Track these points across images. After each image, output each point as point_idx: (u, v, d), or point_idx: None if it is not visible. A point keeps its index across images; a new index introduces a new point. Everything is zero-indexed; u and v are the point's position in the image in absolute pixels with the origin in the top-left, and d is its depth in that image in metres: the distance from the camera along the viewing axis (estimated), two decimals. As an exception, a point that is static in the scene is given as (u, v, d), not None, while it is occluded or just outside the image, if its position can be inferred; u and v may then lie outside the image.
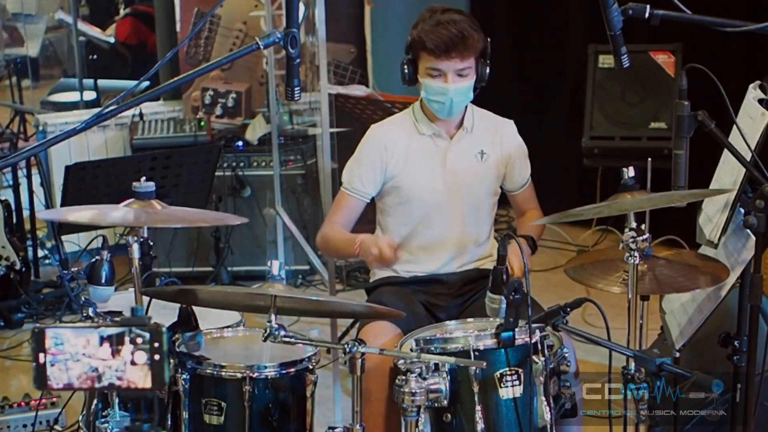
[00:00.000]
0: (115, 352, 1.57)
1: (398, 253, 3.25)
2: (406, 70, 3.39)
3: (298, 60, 2.41)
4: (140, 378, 1.57)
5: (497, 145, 3.50)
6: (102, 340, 1.57)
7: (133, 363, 1.57)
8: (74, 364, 1.57)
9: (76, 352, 1.57)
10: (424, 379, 2.62)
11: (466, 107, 3.47)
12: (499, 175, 3.52)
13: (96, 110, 2.30)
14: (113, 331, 1.57)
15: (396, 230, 3.52)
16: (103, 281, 2.98)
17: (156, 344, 1.56)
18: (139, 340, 1.56)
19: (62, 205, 4.24)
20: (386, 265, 3.34)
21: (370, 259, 3.27)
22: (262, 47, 2.33)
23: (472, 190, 3.48)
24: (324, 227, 3.55)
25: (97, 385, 1.59)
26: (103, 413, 2.88)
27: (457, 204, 3.47)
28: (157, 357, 1.56)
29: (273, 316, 2.64)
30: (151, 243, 3.06)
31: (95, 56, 8.08)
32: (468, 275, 3.51)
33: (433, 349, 2.72)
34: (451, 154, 3.46)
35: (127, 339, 1.56)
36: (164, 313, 3.13)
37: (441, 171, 3.45)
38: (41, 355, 1.57)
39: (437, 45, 3.26)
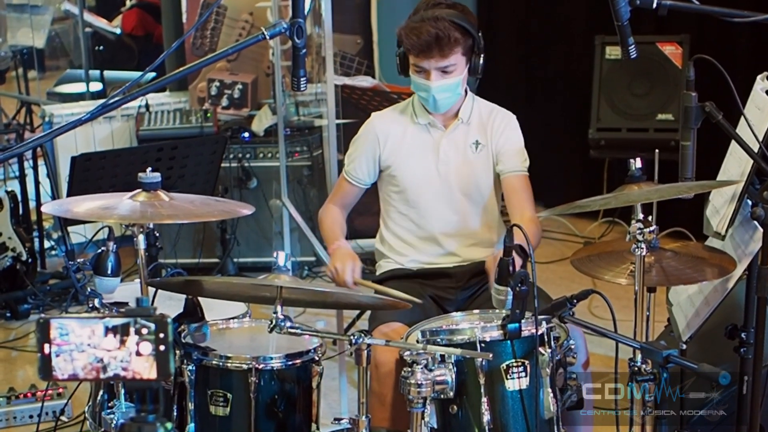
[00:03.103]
0: (120, 343, 1.56)
1: (353, 287, 3.30)
2: (398, 62, 3.41)
3: (304, 51, 2.40)
4: (145, 369, 1.56)
5: (490, 135, 3.47)
6: (107, 330, 1.56)
7: (138, 354, 1.56)
8: (79, 355, 1.57)
9: (81, 343, 1.56)
10: (430, 370, 2.62)
11: (465, 98, 3.46)
12: (494, 165, 3.49)
13: (102, 101, 2.29)
14: (118, 321, 1.56)
15: (396, 219, 3.54)
16: (108, 272, 2.98)
17: (161, 335, 1.55)
18: (144, 331, 1.55)
19: (68, 195, 4.24)
20: (336, 283, 3.35)
21: (329, 269, 3.36)
22: (267, 37, 2.32)
23: (467, 180, 3.47)
24: (325, 205, 3.66)
25: (102, 376, 1.58)
26: (109, 404, 2.90)
27: (454, 194, 3.47)
28: (162, 348, 1.56)
29: (279, 307, 2.63)
30: (157, 234, 3.06)
31: (101, 47, 8.10)
32: (476, 267, 3.50)
33: (439, 340, 2.71)
34: (444, 144, 3.46)
35: (132, 330, 1.56)
36: (170, 304, 3.14)
37: (434, 161, 3.46)
38: (46, 346, 1.57)
39: (413, 45, 3.29)
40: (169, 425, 1.64)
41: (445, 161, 3.46)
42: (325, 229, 3.58)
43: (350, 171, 3.55)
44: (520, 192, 3.44)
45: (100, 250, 3.01)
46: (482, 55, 3.34)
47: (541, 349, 2.64)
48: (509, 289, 2.69)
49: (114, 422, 2.74)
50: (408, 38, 3.29)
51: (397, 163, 3.47)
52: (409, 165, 3.46)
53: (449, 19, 3.25)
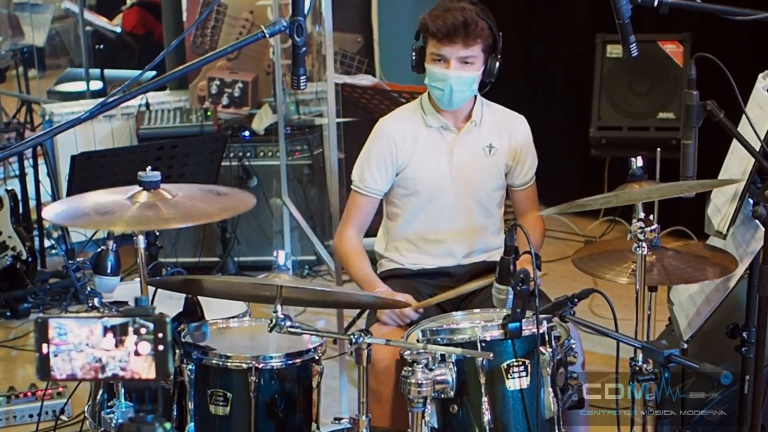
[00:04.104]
0: (118, 343, 1.56)
1: (412, 313, 3.26)
2: (414, 56, 3.38)
3: (304, 49, 2.40)
4: (144, 368, 1.56)
5: (506, 140, 3.48)
6: (105, 330, 1.56)
7: (136, 353, 1.56)
8: (78, 355, 1.56)
9: (80, 343, 1.56)
10: (431, 370, 2.61)
11: (476, 100, 3.46)
12: (506, 169, 3.50)
13: (102, 100, 2.28)
14: (117, 321, 1.55)
15: (404, 222, 3.52)
16: (108, 271, 2.97)
17: (160, 334, 1.55)
18: (143, 331, 1.55)
19: (68, 194, 4.23)
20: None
21: (383, 317, 3.29)
22: (267, 35, 2.32)
23: (479, 183, 3.46)
24: (341, 232, 3.52)
25: (100, 376, 1.58)
26: (109, 404, 2.90)
27: (464, 197, 3.46)
28: (160, 347, 1.55)
29: (279, 307, 2.63)
30: (157, 233, 3.05)
31: (102, 46, 8.07)
32: (476, 268, 3.51)
33: (439, 339, 2.70)
34: (458, 146, 3.44)
35: (130, 329, 1.55)
36: (170, 304, 3.13)
37: (447, 163, 3.44)
38: (44, 346, 1.56)
39: (439, 29, 3.26)
40: (167, 425, 1.63)
41: (458, 164, 3.44)
42: (353, 267, 3.47)
43: (364, 182, 3.45)
44: (531, 198, 3.60)
45: (99, 249, 3.00)
46: (499, 59, 3.34)
47: (542, 349, 2.63)
48: (510, 288, 2.68)
49: (113, 422, 2.74)
50: (434, 23, 3.27)
51: (411, 165, 3.44)
52: (423, 167, 3.44)
53: (475, 11, 3.28)
